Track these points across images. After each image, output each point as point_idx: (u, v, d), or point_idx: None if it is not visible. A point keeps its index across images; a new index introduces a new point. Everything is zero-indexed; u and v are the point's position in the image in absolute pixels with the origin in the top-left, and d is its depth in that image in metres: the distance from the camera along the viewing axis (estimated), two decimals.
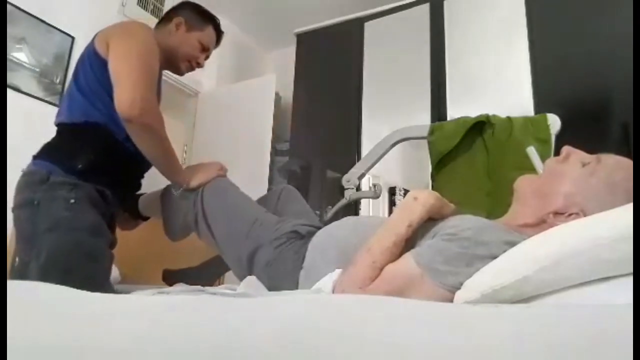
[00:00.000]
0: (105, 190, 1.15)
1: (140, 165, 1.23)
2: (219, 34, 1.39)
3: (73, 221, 1.07)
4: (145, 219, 1.38)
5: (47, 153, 1.14)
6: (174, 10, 1.35)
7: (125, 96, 1.04)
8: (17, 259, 1.09)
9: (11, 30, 2.13)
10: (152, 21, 2.70)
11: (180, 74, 1.38)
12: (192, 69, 1.37)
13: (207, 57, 1.38)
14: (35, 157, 1.15)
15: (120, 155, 1.16)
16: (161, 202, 1.28)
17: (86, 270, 1.06)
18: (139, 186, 1.32)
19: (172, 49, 1.29)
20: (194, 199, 1.16)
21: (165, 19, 1.34)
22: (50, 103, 2.28)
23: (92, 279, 1.06)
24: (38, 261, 1.03)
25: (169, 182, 1.24)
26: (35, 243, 1.04)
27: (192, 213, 1.15)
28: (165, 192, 1.28)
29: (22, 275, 1.05)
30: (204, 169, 1.21)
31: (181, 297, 0.71)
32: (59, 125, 1.18)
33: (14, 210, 1.11)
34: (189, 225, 1.18)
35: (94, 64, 1.13)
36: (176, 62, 1.33)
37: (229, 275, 1.55)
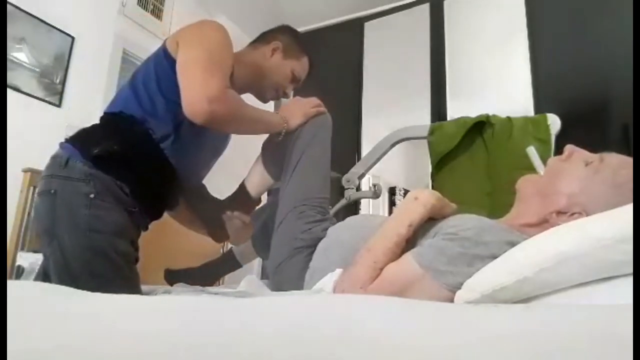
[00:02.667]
0: (123, 187, 1.03)
1: (173, 173, 1.11)
2: (312, 66, 1.33)
3: (94, 222, 0.98)
4: (259, 202, 1.32)
5: (74, 137, 1.06)
6: (273, 33, 1.27)
7: (191, 97, 0.96)
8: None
9: (11, 30, 2.13)
10: (152, 21, 2.73)
11: (264, 101, 1.31)
12: (277, 98, 1.31)
13: (295, 88, 1.31)
14: (65, 140, 1.07)
15: (150, 153, 1.06)
16: (262, 155, 1.25)
17: (111, 274, 1.00)
18: (164, 199, 1.17)
19: (263, 73, 1.23)
20: (292, 140, 1.14)
21: (262, 40, 1.27)
22: (50, 103, 2.28)
23: (118, 281, 1.01)
24: (58, 260, 0.97)
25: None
26: (53, 238, 0.98)
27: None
28: (266, 144, 1.25)
29: (45, 275, 1.00)
30: (300, 107, 1.17)
31: (182, 297, 0.71)
32: (103, 115, 1.11)
33: (36, 198, 1.06)
34: None
35: (159, 63, 1.07)
36: (263, 87, 1.26)
37: (229, 275, 1.55)
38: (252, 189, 1.28)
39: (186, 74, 0.99)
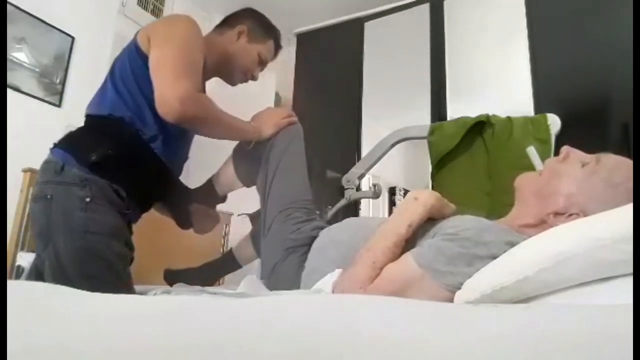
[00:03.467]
0: (119, 190, 1.06)
1: (166, 170, 1.15)
2: (278, 47, 1.34)
3: (89, 224, 1.00)
4: (224, 199, 1.35)
5: (65, 142, 1.08)
6: (237, 17, 1.29)
7: (164, 95, 0.98)
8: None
9: (11, 30, 2.13)
10: (152, 21, 2.72)
11: (233, 84, 1.33)
12: (245, 80, 1.33)
13: (261, 70, 1.34)
14: (53, 146, 1.08)
15: (142, 154, 1.09)
16: (234, 158, 1.27)
17: (106, 275, 1.02)
18: (158, 195, 1.22)
19: (230, 57, 1.25)
20: (264, 150, 1.16)
21: (227, 24, 1.28)
22: (50, 103, 2.28)
23: (113, 282, 1.02)
24: (52, 263, 0.99)
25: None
26: (49, 242, 0.99)
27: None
28: (237, 149, 1.27)
29: (38, 273, 1.02)
30: (272, 117, 1.19)
31: (182, 297, 0.71)
32: (86, 117, 1.12)
33: (30, 203, 1.07)
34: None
35: (133, 59, 1.08)
36: (231, 71, 1.28)
37: (229, 276, 1.55)
38: (219, 187, 1.32)
39: (159, 74, 1.01)
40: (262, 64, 1.31)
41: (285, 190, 1.11)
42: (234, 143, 1.29)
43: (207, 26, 1.30)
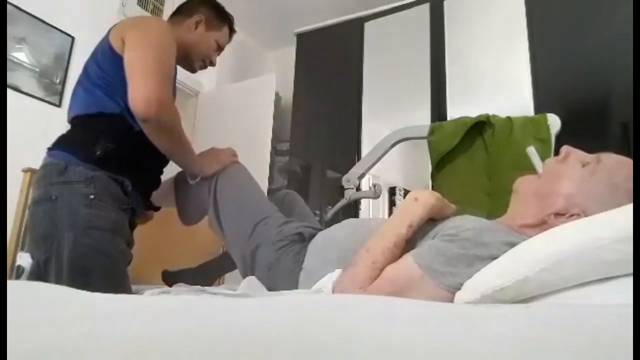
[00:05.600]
0: (125, 182, 1.10)
1: (160, 158, 1.19)
2: (232, 32, 1.38)
3: (94, 220, 1.02)
4: (157, 209, 1.35)
5: (63, 143, 1.10)
6: (194, 7, 1.30)
7: (139, 95, 1.00)
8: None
9: (11, 30, 2.13)
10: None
11: (193, 71, 1.36)
12: (204, 67, 1.36)
13: (218, 55, 1.37)
14: (50, 149, 1.10)
15: (139, 145, 1.10)
16: (175, 190, 1.27)
17: (106, 271, 1.03)
18: (158, 182, 1.27)
19: (189, 47, 1.26)
20: (208, 186, 1.16)
21: (183, 13, 1.30)
22: (50, 103, 2.28)
23: (112, 279, 1.03)
24: (58, 261, 0.99)
25: (179, 170, 1.24)
26: (54, 241, 1.00)
27: (206, 201, 1.16)
28: (178, 179, 1.28)
29: (38, 276, 1.01)
30: (217, 156, 1.21)
31: (183, 297, 0.71)
32: (73, 119, 1.14)
33: (29, 207, 1.08)
34: (205, 210, 1.19)
35: (110, 59, 1.09)
36: (191, 60, 1.30)
37: (229, 275, 1.55)
38: (154, 198, 1.31)
39: (133, 76, 1.03)
40: (219, 49, 1.35)
41: (250, 212, 1.11)
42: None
43: None
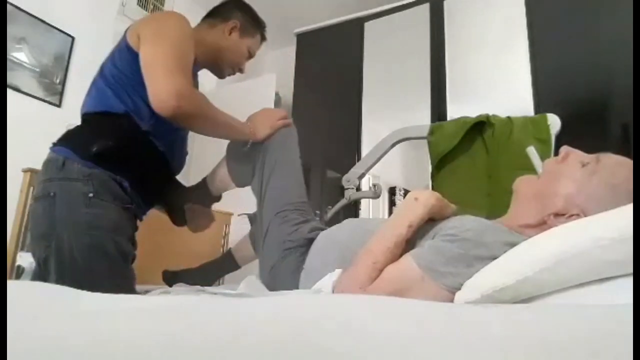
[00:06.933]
0: (123, 182, 1.07)
1: (166, 162, 1.16)
2: (263, 40, 1.35)
3: (94, 219, 1.01)
4: (218, 199, 1.34)
5: (65, 139, 1.09)
6: (229, 10, 1.28)
7: (158, 91, 0.98)
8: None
9: (11, 30, 2.13)
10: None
11: (221, 77, 1.34)
12: (233, 74, 1.34)
13: (247, 61, 1.36)
14: (53, 144, 1.09)
15: (143, 146, 1.09)
16: (227, 159, 1.27)
17: (107, 270, 1.02)
18: (162, 186, 1.22)
19: (221, 52, 1.25)
20: (258, 150, 1.16)
21: (218, 16, 1.27)
22: (50, 103, 2.28)
23: (113, 279, 1.02)
24: (57, 260, 0.98)
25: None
26: (53, 239, 0.99)
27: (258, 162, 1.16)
28: (231, 149, 1.27)
29: (41, 277, 1.00)
30: (268, 119, 1.19)
31: (183, 297, 0.71)
32: (82, 117, 1.13)
33: (30, 204, 1.08)
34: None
35: (124, 57, 1.08)
36: (221, 65, 1.28)
37: (229, 275, 1.55)
38: (213, 187, 1.31)
39: (151, 71, 1.01)
40: (250, 57, 1.33)
41: (281, 192, 1.11)
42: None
43: None
